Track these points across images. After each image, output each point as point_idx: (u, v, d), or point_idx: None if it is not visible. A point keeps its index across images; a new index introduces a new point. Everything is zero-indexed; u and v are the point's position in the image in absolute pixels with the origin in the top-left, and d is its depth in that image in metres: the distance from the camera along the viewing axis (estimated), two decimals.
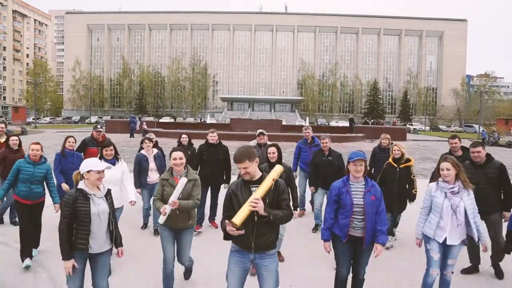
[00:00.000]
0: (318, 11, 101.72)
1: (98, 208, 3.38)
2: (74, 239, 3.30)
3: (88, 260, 3.42)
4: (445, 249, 3.96)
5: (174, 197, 3.80)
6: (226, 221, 3.03)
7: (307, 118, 63.01)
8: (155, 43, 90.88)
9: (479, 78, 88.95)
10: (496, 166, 4.86)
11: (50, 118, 74.09)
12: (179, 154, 4.09)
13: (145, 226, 6.65)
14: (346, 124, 45.19)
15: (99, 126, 6.71)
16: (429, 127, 71.20)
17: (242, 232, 2.96)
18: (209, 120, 58.55)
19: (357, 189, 3.75)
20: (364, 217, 3.69)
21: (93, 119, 69.09)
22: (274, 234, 3.21)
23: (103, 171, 3.41)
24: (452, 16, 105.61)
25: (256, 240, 3.10)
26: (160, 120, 49.96)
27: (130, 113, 71.61)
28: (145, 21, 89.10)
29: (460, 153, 5.66)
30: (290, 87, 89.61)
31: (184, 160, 4.12)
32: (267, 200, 3.06)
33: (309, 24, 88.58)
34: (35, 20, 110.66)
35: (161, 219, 3.86)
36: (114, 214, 3.57)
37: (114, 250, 3.54)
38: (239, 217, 2.92)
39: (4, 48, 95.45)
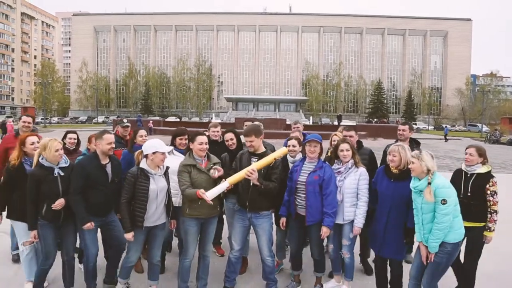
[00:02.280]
0: (322, 12, 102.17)
1: (157, 185, 3.69)
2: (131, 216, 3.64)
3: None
4: (338, 228, 4.15)
5: (212, 195, 3.64)
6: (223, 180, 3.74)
7: (311, 117, 63.47)
8: (161, 44, 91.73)
9: (485, 78, 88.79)
10: (367, 153, 4.81)
11: (58, 118, 75.28)
12: (204, 138, 3.93)
13: None
14: (350, 123, 45.79)
15: (125, 121, 5.69)
16: (433, 127, 71.39)
17: (210, 202, 3.63)
18: (214, 120, 59.22)
19: (308, 169, 4.06)
20: (305, 195, 3.96)
21: (100, 119, 70.11)
22: (265, 199, 3.97)
23: (167, 152, 3.72)
24: (457, 16, 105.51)
25: (250, 203, 3.92)
26: (166, 120, 50.94)
27: (136, 113, 72.44)
28: (151, 22, 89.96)
29: (407, 144, 4.76)
30: (294, 87, 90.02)
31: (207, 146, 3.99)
32: (262, 172, 3.77)
33: (313, 24, 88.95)
34: (42, 22, 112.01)
35: (211, 194, 3.64)
36: (170, 190, 3.90)
37: None
38: (233, 179, 3.68)
39: (13, 50, 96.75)
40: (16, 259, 4.87)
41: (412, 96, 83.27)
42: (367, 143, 5.15)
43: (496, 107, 78.39)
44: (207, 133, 4.57)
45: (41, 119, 61.74)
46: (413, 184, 3.47)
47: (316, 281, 4.29)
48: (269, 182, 3.87)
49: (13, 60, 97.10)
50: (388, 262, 3.99)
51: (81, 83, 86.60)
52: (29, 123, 4.94)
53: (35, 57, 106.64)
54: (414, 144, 4.95)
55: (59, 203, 3.62)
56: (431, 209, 3.36)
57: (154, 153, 3.65)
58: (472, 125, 66.67)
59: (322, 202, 3.95)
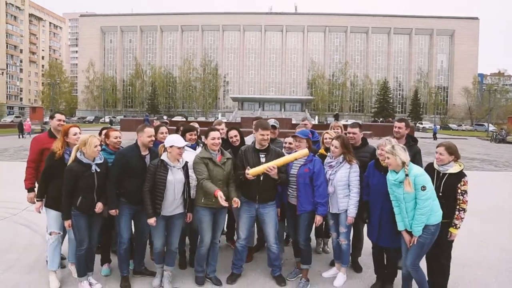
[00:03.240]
0: (328, 11, 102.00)
1: (175, 177, 3.98)
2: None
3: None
4: (336, 218, 4.41)
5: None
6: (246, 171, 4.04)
7: (316, 117, 63.50)
8: (167, 44, 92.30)
9: (492, 77, 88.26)
10: (370, 151, 4.79)
11: (66, 118, 75.92)
12: (217, 134, 4.20)
13: None
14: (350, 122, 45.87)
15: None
16: (439, 126, 71.12)
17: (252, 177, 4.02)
18: (220, 119, 59.36)
19: (299, 162, 4.28)
20: (297, 186, 4.22)
21: (107, 119, 70.67)
22: (272, 191, 4.29)
23: (183, 147, 3.99)
24: (464, 14, 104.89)
25: (259, 195, 4.21)
26: (173, 119, 51.24)
27: (142, 113, 72.96)
28: (157, 22, 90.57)
29: (403, 141, 4.75)
30: (300, 86, 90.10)
31: (220, 140, 4.27)
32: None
33: (319, 24, 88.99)
34: (50, 23, 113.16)
35: (223, 202, 3.89)
36: (189, 183, 4.19)
37: None
38: (254, 171, 4.00)
39: (21, 51, 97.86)
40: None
41: (418, 96, 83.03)
42: (373, 142, 5.16)
43: (504, 106, 77.88)
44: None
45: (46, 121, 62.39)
46: (391, 177, 3.65)
47: (303, 274, 4.37)
48: (282, 174, 4.22)
49: (21, 61, 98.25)
50: (384, 250, 4.20)
51: (88, 83, 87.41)
52: (63, 121, 4.92)
53: (42, 57, 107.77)
54: (411, 141, 4.84)
55: (99, 207, 3.97)
56: (412, 197, 3.56)
57: (171, 146, 3.96)
58: (479, 125, 66.34)
59: (313, 193, 4.20)
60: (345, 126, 5.19)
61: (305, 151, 4.18)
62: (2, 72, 60.99)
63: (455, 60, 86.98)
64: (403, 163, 3.54)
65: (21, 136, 31.20)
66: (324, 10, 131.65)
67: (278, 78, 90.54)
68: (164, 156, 4.03)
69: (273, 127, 5.18)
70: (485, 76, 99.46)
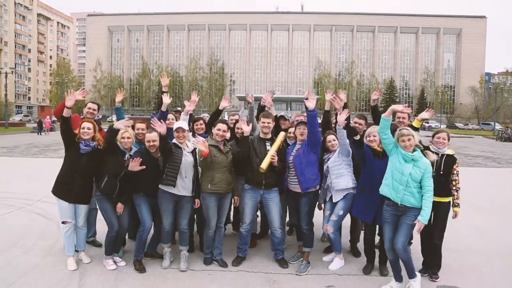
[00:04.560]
0: (334, 10, 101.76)
1: (185, 158, 4.40)
2: (164, 176, 4.32)
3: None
4: (332, 207, 4.65)
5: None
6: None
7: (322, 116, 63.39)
8: (174, 43, 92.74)
9: (500, 76, 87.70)
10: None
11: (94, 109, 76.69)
12: (223, 126, 4.61)
13: None
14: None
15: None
16: (445, 125, 70.88)
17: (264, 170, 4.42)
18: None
19: (296, 150, 4.64)
20: (295, 169, 4.50)
21: (114, 118, 71.25)
22: (275, 176, 4.59)
23: (183, 129, 4.39)
24: (471, 13, 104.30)
25: (265, 180, 4.52)
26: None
27: (149, 112, 73.51)
28: (164, 22, 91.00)
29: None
30: (306, 86, 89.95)
31: (226, 132, 4.69)
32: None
33: (325, 23, 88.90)
34: (58, 22, 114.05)
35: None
36: (197, 167, 4.56)
37: None
38: (265, 163, 4.36)
39: (29, 51, 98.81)
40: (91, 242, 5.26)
41: (425, 95, 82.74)
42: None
43: (511, 106, 77.37)
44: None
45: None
46: (409, 156, 3.82)
47: (304, 256, 4.66)
48: (281, 162, 4.55)
49: (29, 61, 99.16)
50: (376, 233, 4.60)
51: (96, 82, 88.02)
52: (94, 109, 5.18)
53: (50, 57, 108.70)
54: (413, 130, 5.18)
55: (120, 207, 4.40)
56: (418, 179, 3.79)
57: (176, 130, 4.42)
58: (485, 124, 66.00)
59: (311, 170, 4.48)
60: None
61: (282, 133, 4.69)
62: (12, 72, 61.67)
63: (462, 59, 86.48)
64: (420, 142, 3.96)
65: (40, 133, 32.04)
66: (330, 9, 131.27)
67: (284, 78, 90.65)
68: (174, 140, 4.48)
69: (283, 117, 5.63)
70: (493, 75, 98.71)
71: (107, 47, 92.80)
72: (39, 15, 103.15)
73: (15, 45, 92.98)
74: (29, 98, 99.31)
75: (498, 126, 53.16)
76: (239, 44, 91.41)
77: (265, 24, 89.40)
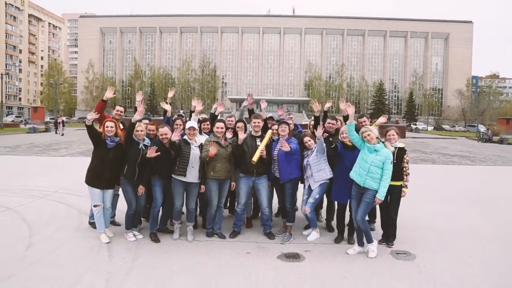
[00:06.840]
0: (325, 14, 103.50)
1: (193, 152, 5.45)
2: (176, 168, 5.36)
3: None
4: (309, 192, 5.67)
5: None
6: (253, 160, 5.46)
7: (313, 117, 64.56)
8: (166, 45, 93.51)
9: (486, 79, 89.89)
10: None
11: (66, 118, 77.14)
12: (221, 124, 5.66)
13: None
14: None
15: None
16: (433, 127, 72.67)
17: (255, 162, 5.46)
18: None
19: (278, 147, 5.67)
20: (278, 163, 5.60)
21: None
22: (264, 166, 5.69)
23: (193, 128, 5.50)
24: (458, 18, 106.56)
25: (256, 169, 5.61)
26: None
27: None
28: (156, 24, 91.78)
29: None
30: (297, 88, 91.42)
31: (224, 129, 5.67)
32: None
33: (316, 26, 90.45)
34: (49, 23, 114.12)
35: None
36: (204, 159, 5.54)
37: None
38: (256, 156, 5.42)
39: (20, 51, 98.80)
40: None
41: (414, 97, 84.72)
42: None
43: (497, 108, 79.47)
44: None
45: (50, 118, 63.53)
46: (372, 148, 4.94)
47: (287, 230, 5.73)
48: (268, 155, 5.66)
49: (20, 61, 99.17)
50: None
51: (88, 83, 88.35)
52: (121, 111, 6.41)
53: (41, 58, 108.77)
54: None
55: (141, 189, 5.39)
56: (379, 165, 4.90)
57: (188, 128, 5.56)
58: (471, 126, 67.84)
59: (290, 165, 5.55)
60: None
61: (270, 131, 5.75)
62: (7, 73, 62.05)
63: (450, 62, 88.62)
64: (377, 137, 5.00)
65: (57, 132, 35.54)
66: (321, 13, 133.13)
67: (276, 80, 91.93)
68: (186, 136, 5.52)
69: (272, 118, 6.67)
70: (480, 78, 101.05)
71: (99, 48, 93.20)
72: (30, 15, 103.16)
73: (6, 46, 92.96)
74: (20, 99, 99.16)
75: (482, 128, 54.75)
76: (231, 46, 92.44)
77: (257, 27, 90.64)
